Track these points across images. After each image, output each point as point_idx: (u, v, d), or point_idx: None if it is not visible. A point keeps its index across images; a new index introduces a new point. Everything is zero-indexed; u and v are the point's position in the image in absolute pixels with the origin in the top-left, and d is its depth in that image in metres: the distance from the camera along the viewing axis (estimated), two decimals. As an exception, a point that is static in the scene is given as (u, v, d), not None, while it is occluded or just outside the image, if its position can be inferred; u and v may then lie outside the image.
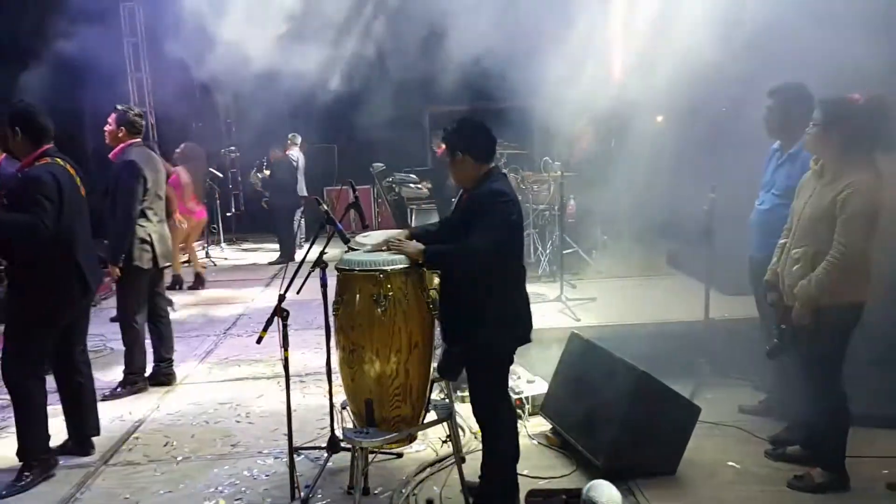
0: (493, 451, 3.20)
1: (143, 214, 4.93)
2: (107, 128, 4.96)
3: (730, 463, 3.74)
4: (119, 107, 4.99)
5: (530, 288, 3.26)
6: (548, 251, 6.94)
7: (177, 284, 8.29)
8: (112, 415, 4.68)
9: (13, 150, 3.86)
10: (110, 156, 4.98)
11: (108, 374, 5.39)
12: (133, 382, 5.09)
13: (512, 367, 4.41)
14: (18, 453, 3.81)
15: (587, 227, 7.62)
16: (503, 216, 2.97)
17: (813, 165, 3.46)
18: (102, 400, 4.71)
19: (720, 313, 4.97)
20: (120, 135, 4.93)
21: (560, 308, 5.45)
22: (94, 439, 4.19)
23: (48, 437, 3.91)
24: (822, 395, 3.37)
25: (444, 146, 3.22)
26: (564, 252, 6.31)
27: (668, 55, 5.55)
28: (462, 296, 3.07)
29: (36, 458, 3.82)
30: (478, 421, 3.26)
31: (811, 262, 3.30)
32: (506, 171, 7.21)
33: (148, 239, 4.94)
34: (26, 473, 3.77)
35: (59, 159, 3.81)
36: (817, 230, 3.29)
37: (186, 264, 8.93)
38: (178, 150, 8.33)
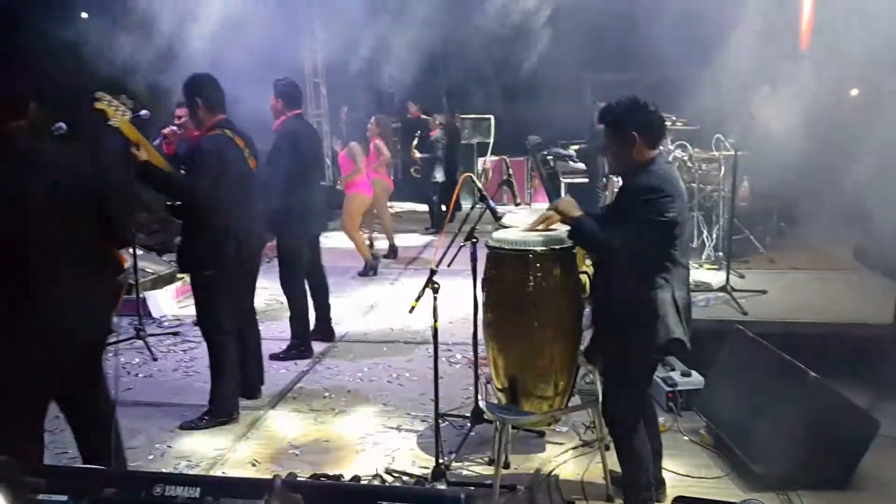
0: (624, 449, 3.06)
1: (300, 182, 5.07)
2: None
3: (913, 485, 3.34)
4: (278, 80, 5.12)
5: (692, 275, 3.07)
6: (714, 236, 6.50)
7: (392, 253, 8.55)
8: (279, 365, 5.06)
9: (196, 122, 4.12)
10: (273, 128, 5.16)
11: (275, 326, 5.79)
12: (298, 348, 5.31)
13: (668, 359, 4.23)
14: (210, 399, 4.18)
15: (762, 211, 7.03)
16: (652, 214, 2.74)
17: None
18: (271, 358, 5.02)
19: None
20: (279, 107, 5.09)
21: (725, 299, 5.10)
22: (263, 387, 4.54)
23: (236, 389, 4.23)
24: None
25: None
26: (733, 238, 5.87)
27: (865, 17, 4.92)
28: (610, 287, 2.92)
29: (222, 406, 4.15)
30: (604, 417, 3.15)
31: None
32: (672, 147, 6.82)
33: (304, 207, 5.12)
34: (206, 417, 4.14)
35: (228, 130, 4.03)
36: None
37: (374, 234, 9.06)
38: (370, 124, 8.41)
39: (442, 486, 3.02)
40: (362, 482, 2.00)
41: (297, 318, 5.31)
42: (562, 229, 3.08)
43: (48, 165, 2.70)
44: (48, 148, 2.77)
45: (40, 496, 1.31)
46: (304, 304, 5.34)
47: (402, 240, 9.68)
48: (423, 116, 10.34)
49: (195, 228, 4.04)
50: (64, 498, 1.31)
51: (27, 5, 6.72)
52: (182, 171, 3.99)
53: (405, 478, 3.50)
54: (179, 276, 6.78)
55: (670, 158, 6.01)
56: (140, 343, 5.34)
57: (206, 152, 3.93)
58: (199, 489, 1.19)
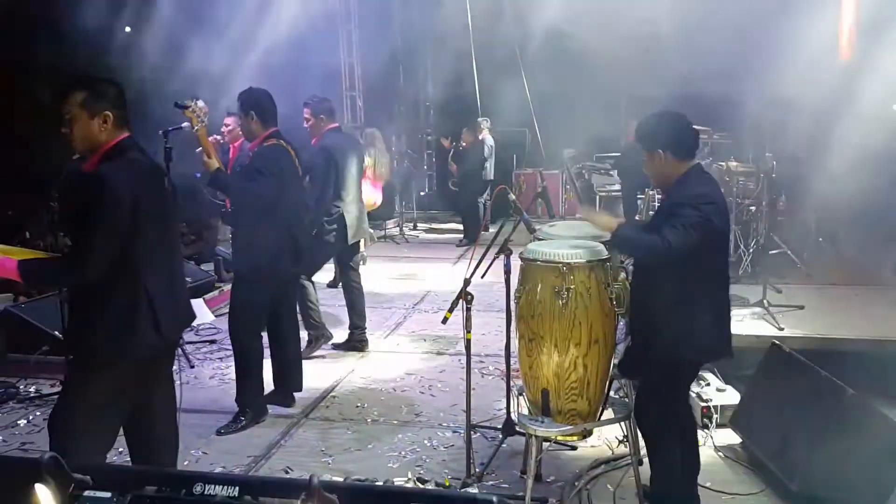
0: (655, 463, 3.06)
1: (337, 195, 5.22)
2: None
3: (957, 508, 3.24)
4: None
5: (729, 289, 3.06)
6: (751, 250, 6.42)
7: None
8: (313, 374, 5.08)
9: (248, 133, 4.31)
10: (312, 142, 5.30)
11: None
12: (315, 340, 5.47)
13: (702, 373, 4.19)
14: (237, 399, 4.30)
15: (799, 226, 6.93)
16: (700, 217, 2.78)
17: None
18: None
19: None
20: (320, 125, 5.21)
21: (761, 314, 5.03)
22: (297, 395, 4.59)
23: (262, 388, 4.36)
24: None
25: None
26: (770, 252, 5.80)
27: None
28: (652, 295, 2.94)
29: (250, 405, 4.28)
30: (640, 429, 3.14)
31: None
32: (709, 159, 6.77)
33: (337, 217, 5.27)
34: (241, 417, 4.24)
35: (282, 141, 4.22)
36: None
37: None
38: (360, 139, 8.61)
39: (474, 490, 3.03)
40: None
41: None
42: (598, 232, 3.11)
43: (152, 171, 2.83)
44: (146, 154, 2.87)
45: (86, 492, 1.36)
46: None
47: (436, 252, 9.74)
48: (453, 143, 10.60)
49: (253, 233, 4.17)
50: (108, 495, 1.35)
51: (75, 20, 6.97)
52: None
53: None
54: (217, 284, 6.91)
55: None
56: (177, 350, 5.43)
57: (269, 160, 4.10)
58: (237, 488, 1.23)
